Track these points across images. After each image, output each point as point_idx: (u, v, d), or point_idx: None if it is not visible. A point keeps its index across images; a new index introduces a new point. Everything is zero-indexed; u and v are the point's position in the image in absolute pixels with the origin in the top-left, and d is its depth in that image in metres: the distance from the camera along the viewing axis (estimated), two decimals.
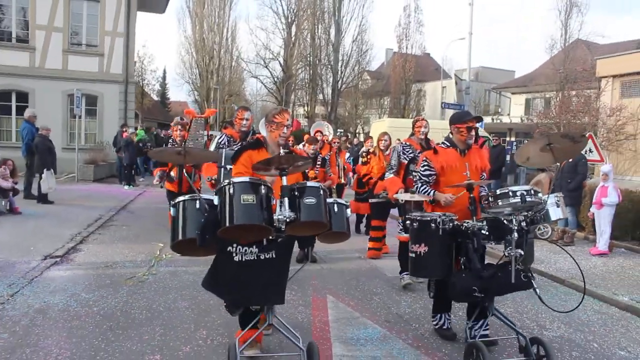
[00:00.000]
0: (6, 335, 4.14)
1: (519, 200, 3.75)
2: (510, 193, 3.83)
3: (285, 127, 3.86)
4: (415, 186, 4.69)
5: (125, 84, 19.29)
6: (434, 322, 4.63)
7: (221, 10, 44.16)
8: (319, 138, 8.23)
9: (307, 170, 4.13)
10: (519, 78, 39.39)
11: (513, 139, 32.71)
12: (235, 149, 4.88)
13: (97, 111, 19.19)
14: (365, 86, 43.00)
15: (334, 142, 9.73)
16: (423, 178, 4.58)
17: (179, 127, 7.38)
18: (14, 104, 18.13)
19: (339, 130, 36.40)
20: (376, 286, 6.08)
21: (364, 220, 9.17)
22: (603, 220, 8.31)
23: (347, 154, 15.67)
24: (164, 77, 52.58)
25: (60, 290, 5.38)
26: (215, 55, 44.43)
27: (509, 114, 37.14)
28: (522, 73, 41.35)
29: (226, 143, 5.89)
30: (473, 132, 4.42)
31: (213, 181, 5.86)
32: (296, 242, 3.71)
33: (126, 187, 15.39)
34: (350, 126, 40.84)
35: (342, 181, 9.71)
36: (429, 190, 4.51)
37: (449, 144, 4.57)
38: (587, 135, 10.23)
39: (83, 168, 16.68)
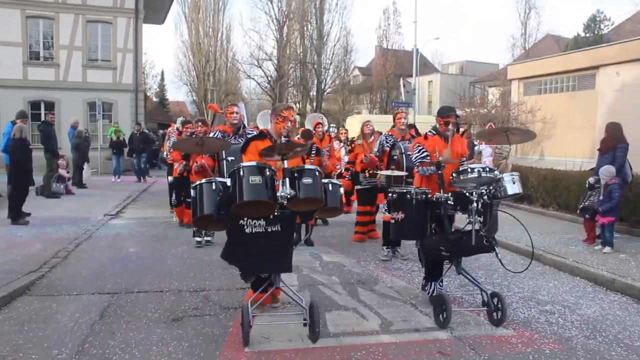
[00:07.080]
0: (103, 241, 7.79)
1: (476, 175, 4.29)
2: (469, 170, 4.36)
3: (289, 122, 4.42)
4: (417, 169, 5.10)
5: (135, 92, 22.77)
6: (426, 289, 5.08)
7: (216, 15, 45.72)
8: (321, 130, 8.72)
9: (305, 159, 4.70)
10: (493, 73, 42.62)
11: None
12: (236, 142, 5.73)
13: (112, 116, 22.52)
14: (356, 82, 45.40)
15: (341, 134, 11.79)
16: (421, 158, 5.03)
17: (200, 123, 8.08)
18: (42, 112, 21.25)
19: (332, 125, 39.26)
20: (329, 230, 9.13)
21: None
22: None
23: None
24: (162, 79, 54.42)
25: (122, 227, 9.01)
26: (211, 58, 45.91)
27: (487, 106, 40.29)
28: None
29: (221, 138, 5.93)
30: (451, 126, 4.95)
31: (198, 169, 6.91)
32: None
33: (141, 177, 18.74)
34: (340, 121, 43.69)
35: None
36: (430, 168, 4.86)
37: (434, 132, 5.13)
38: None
39: (105, 163, 20.15)
